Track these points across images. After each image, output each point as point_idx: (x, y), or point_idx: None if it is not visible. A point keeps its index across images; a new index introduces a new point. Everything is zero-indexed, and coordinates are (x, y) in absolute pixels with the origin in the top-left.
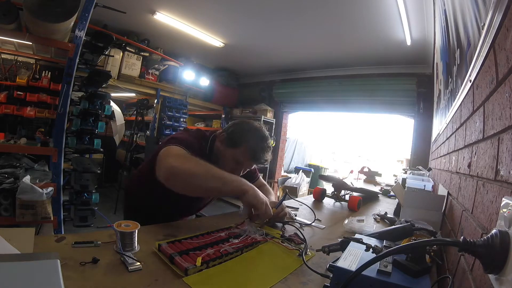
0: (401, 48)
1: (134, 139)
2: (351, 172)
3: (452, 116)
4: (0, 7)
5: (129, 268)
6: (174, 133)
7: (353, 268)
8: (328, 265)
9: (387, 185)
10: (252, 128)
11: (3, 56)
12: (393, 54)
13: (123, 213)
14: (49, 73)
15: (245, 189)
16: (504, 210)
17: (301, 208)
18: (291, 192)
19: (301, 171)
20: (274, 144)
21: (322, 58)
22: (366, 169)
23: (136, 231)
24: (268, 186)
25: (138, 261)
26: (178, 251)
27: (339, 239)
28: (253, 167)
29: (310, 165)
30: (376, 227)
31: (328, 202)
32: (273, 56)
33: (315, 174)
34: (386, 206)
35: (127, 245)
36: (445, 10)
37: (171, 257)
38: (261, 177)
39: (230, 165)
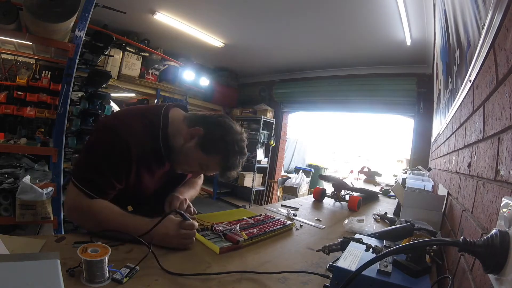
0: (401, 48)
1: None
2: (351, 172)
3: (452, 116)
4: (0, 7)
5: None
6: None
7: (353, 268)
8: (328, 265)
9: (387, 185)
10: (233, 139)
11: (3, 56)
12: (393, 54)
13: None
14: (49, 73)
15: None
16: (504, 210)
17: (301, 208)
18: (291, 192)
19: (301, 171)
20: (274, 145)
21: (322, 58)
22: (366, 169)
23: (107, 258)
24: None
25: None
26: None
27: (339, 239)
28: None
29: (310, 165)
30: (376, 227)
31: (328, 202)
32: (273, 56)
33: (315, 174)
34: (386, 206)
35: (98, 275)
36: (445, 10)
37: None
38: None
39: (194, 167)
